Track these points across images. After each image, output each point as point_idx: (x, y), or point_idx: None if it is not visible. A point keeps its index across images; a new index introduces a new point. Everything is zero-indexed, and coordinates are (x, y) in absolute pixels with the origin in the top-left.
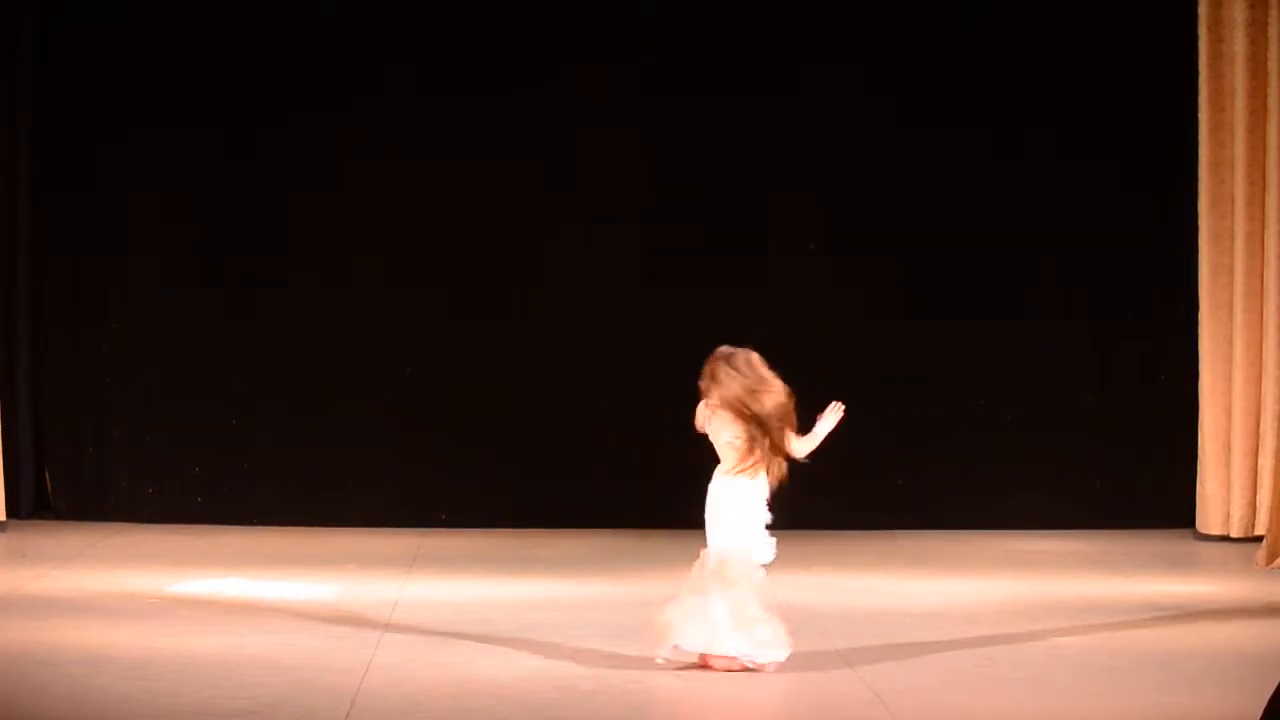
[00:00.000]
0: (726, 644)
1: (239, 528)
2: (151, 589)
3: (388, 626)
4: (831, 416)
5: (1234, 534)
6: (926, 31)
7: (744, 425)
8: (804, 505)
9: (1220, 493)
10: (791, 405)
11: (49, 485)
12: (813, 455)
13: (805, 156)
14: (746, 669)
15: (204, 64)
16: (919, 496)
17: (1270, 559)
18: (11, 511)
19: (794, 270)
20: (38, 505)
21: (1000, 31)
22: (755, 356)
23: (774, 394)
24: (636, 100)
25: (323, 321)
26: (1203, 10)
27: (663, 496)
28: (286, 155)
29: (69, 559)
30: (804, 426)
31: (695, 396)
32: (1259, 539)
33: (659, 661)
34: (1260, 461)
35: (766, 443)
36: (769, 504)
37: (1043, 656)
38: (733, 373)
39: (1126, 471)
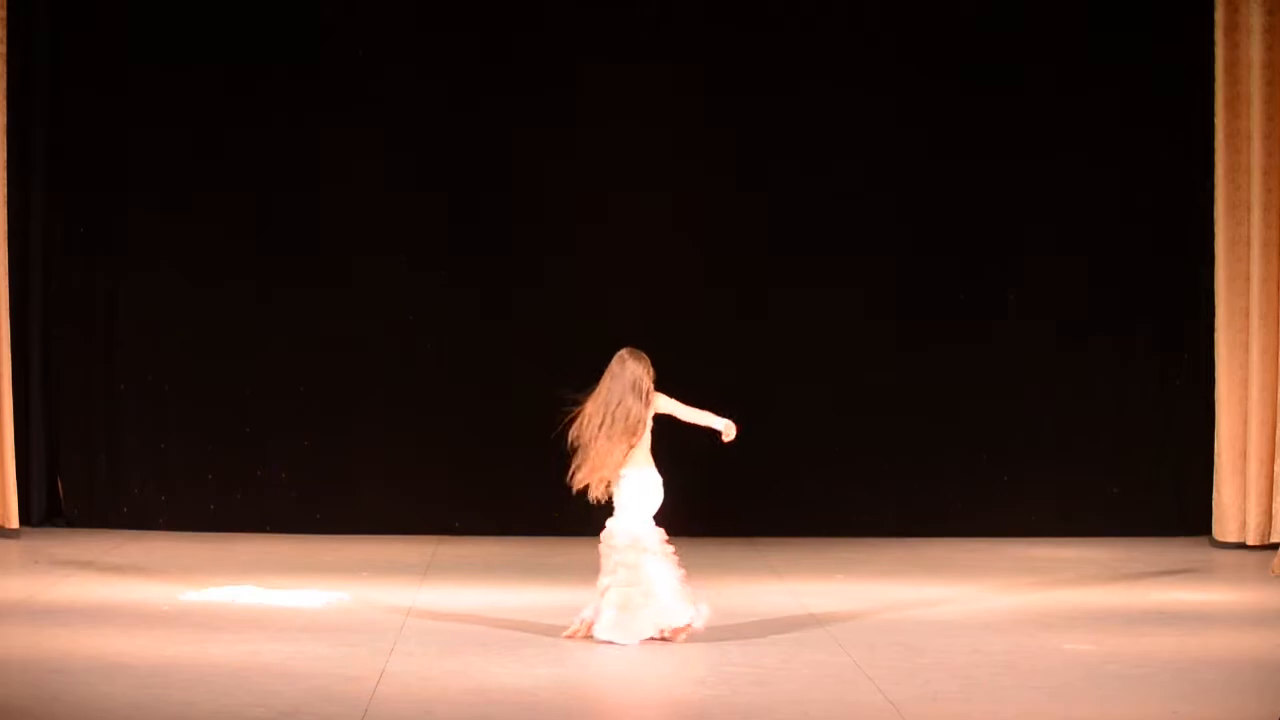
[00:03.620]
0: (677, 616)
1: (252, 535)
2: (164, 597)
3: (401, 634)
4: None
5: (1250, 541)
6: (939, 51)
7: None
8: (822, 512)
9: (1236, 500)
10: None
11: (61, 493)
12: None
13: (826, 176)
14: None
15: (214, 66)
16: (936, 504)
17: None
18: (24, 519)
19: (815, 286)
20: (50, 513)
21: (1008, 34)
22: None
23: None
24: (643, 104)
25: (336, 329)
26: (1219, 17)
27: (679, 504)
28: (304, 157)
29: (82, 566)
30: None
31: (707, 407)
32: (1275, 546)
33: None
34: (1276, 469)
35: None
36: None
37: (1058, 665)
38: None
39: (1142, 479)
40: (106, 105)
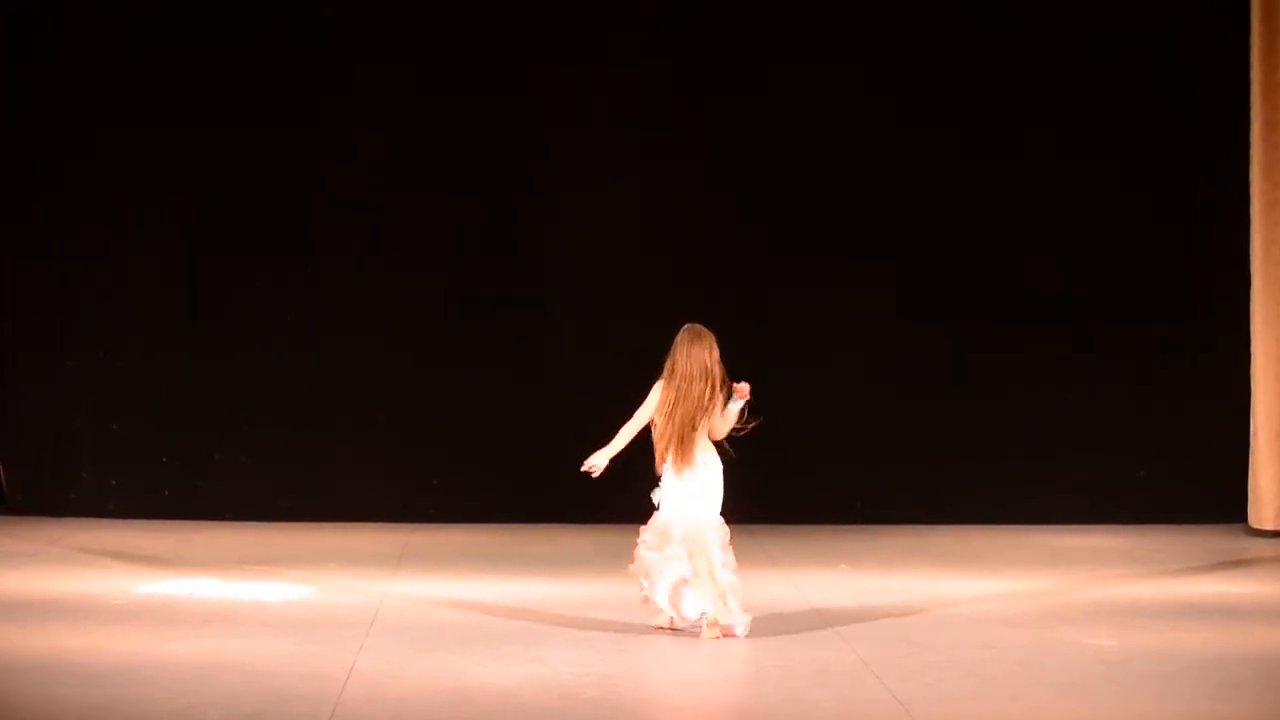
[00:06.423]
0: (733, 616)
1: (211, 523)
2: (117, 590)
3: (371, 630)
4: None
5: None
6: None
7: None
8: (825, 499)
9: (1273, 485)
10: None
11: (3, 479)
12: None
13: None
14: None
15: (176, 65)
16: (949, 489)
17: None
18: None
19: (822, 272)
20: None
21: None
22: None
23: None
24: (637, 101)
25: (300, 305)
26: None
27: None
28: (256, 150)
29: (27, 558)
30: None
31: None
32: None
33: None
34: None
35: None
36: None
37: (1081, 661)
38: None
39: (1171, 462)
40: (71, 104)
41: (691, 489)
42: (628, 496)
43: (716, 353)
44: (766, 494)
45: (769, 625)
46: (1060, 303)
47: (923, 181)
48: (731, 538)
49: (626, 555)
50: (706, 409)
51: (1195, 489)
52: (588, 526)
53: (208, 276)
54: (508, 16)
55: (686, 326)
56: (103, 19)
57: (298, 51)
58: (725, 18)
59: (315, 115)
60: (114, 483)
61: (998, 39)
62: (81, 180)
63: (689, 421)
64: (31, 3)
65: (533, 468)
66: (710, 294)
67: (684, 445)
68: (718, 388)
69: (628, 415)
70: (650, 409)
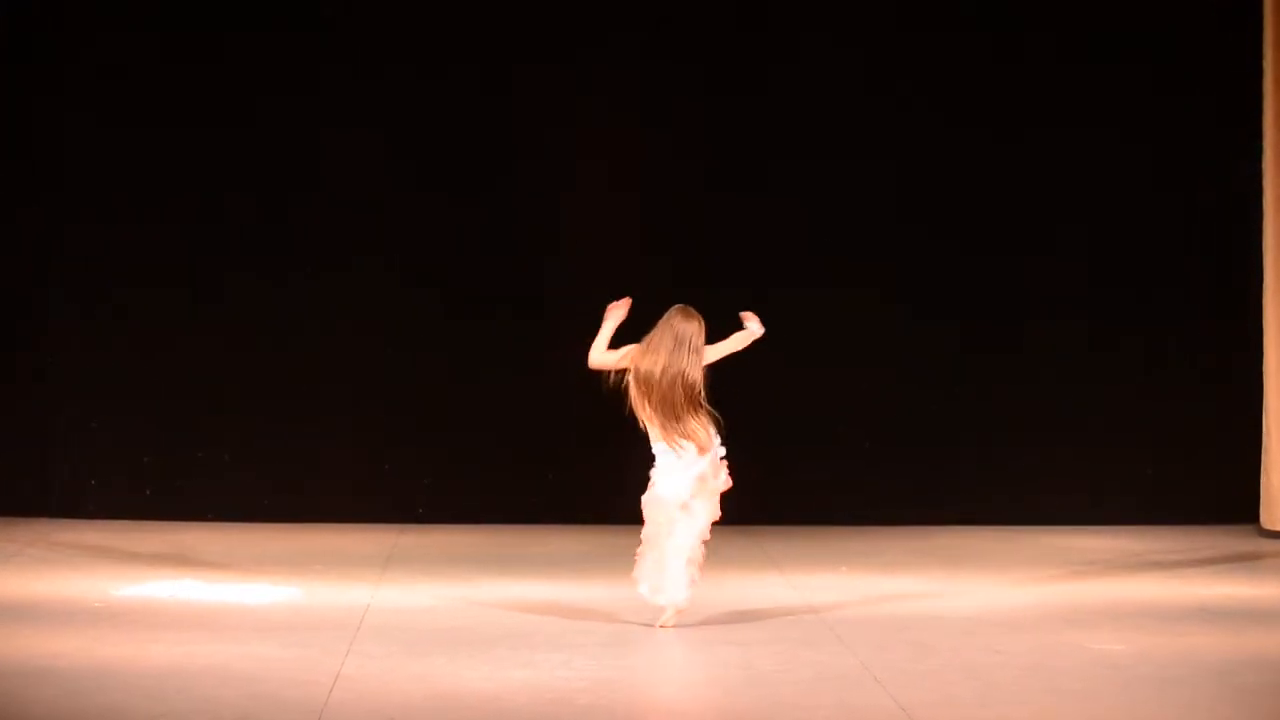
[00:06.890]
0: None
1: (193, 524)
2: (96, 593)
3: (359, 634)
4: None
5: None
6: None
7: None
8: (825, 499)
9: None
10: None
11: None
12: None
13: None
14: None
15: (176, 65)
16: (949, 489)
17: None
18: None
19: (822, 272)
20: None
21: None
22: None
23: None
24: (637, 101)
25: (287, 302)
26: None
27: None
28: (255, 149)
29: (5, 559)
30: None
31: (713, 390)
32: None
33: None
34: None
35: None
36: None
37: (1086, 665)
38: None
39: (1181, 461)
40: (70, 103)
41: (677, 462)
42: (623, 498)
43: (701, 338)
44: (766, 494)
45: (768, 628)
46: (1062, 301)
47: (924, 181)
48: (731, 537)
49: (621, 557)
50: (686, 375)
51: (1205, 489)
52: (581, 528)
53: (199, 275)
54: (508, 16)
55: (677, 306)
56: (102, 19)
57: (298, 51)
58: (725, 18)
59: (315, 114)
60: (93, 482)
61: (999, 39)
62: (81, 180)
63: (673, 382)
64: (31, 3)
65: (527, 468)
66: (710, 294)
67: (676, 416)
68: (692, 350)
69: (625, 416)
70: (620, 354)
